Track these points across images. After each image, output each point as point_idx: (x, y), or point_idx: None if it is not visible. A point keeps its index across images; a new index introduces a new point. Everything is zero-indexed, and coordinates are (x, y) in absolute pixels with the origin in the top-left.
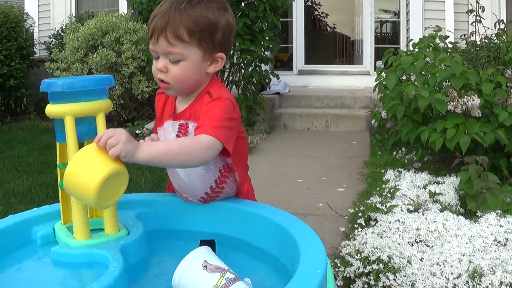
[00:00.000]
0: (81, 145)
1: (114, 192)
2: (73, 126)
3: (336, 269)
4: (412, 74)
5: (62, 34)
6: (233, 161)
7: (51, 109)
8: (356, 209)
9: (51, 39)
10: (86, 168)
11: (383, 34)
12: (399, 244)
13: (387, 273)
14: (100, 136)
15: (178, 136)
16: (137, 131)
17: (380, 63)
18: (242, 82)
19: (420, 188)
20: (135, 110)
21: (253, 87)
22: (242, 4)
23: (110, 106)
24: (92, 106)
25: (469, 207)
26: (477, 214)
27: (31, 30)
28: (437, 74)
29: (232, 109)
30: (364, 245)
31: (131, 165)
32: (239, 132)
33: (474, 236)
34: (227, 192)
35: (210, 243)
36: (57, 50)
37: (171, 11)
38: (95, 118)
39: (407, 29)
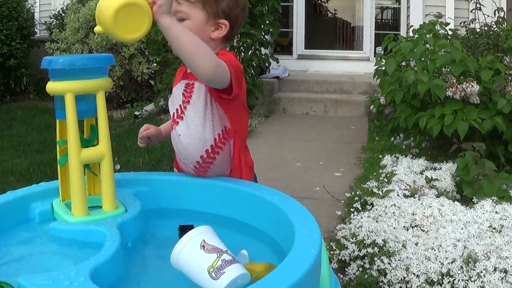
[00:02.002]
0: (80, 122)
1: (133, 26)
2: (73, 103)
3: (332, 252)
4: (411, 60)
5: (63, 14)
6: (231, 127)
7: (52, 86)
8: (353, 193)
9: (52, 20)
10: None
11: (383, 20)
12: (394, 228)
13: (381, 257)
14: None
15: (183, 95)
16: (136, 113)
17: (380, 49)
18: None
19: (417, 174)
20: (134, 92)
21: (252, 71)
22: None
23: (110, 84)
24: (92, 84)
25: (465, 193)
26: (473, 200)
27: (32, 10)
28: (436, 60)
29: (239, 64)
30: (360, 228)
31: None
32: (243, 100)
33: (469, 222)
34: (220, 163)
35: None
36: (58, 30)
37: None
38: (95, 96)
39: (408, 16)
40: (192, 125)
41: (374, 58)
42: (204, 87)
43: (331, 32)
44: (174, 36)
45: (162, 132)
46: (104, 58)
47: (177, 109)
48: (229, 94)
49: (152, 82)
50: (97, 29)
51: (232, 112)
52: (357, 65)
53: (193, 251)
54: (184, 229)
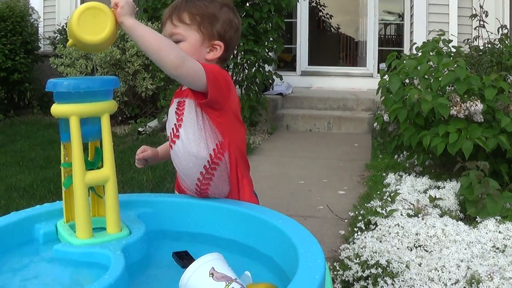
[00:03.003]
0: (85, 145)
1: (96, 28)
2: (78, 126)
3: (335, 273)
4: (415, 78)
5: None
6: (224, 141)
7: (57, 109)
8: (356, 212)
9: (56, 34)
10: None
11: (387, 36)
12: (398, 248)
13: (385, 278)
14: None
15: (176, 113)
16: (140, 129)
17: (383, 66)
18: (245, 82)
19: (421, 193)
20: (138, 108)
21: (256, 88)
22: (247, 4)
23: (114, 107)
24: (97, 107)
25: (469, 212)
26: (476, 219)
27: (36, 25)
28: (440, 79)
29: (230, 83)
30: (363, 249)
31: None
32: (235, 111)
33: (472, 242)
34: (219, 178)
35: (184, 255)
36: (62, 45)
37: (179, 2)
38: (99, 118)
39: (411, 32)
40: (187, 143)
41: (378, 75)
42: (194, 102)
43: (334, 48)
44: (139, 35)
45: (159, 153)
46: (109, 81)
47: (172, 129)
48: (207, 97)
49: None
50: (69, 43)
51: (224, 125)
52: (361, 81)
53: (202, 279)
54: (179, 255)
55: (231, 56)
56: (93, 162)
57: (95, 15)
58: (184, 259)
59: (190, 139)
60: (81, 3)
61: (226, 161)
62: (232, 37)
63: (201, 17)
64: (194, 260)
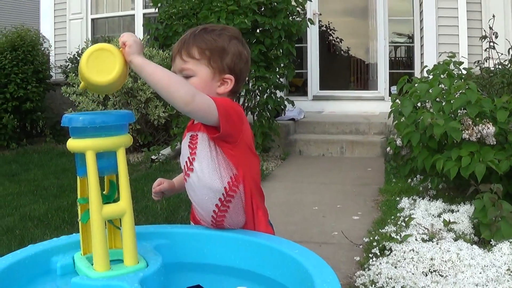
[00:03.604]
0: (101, 179)
1: (105, 69)
2: (94, 160)
3: None
4: (427, 101)
5: (79, 58)
6: (238, 173)
7: (73, 144)
8: (371, 238)
9: (67, 63)
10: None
11: (397, 58)
12: (413, 274)
13: None
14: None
15: (189, 147)
16: (153, 157)
17: (394, 89)
18: (257, 108)
19: (435, 217)
20: (151, 135)
21: (268, 114)
22: (258, 31)
23: (130, 141)
24: (113, 141)
25: (483, 235)
26: (491, 242)
27: (48, 54)
28: (452, 102)
29: (242, 115)
30: (379, 275)
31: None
32: (248, 144)
33: (487, 266)
34: (234, 209)
35: None
36: (73, 74)
37: (187, 36)
38: (115, 152)
39: (421, 54)
40: (202, 177)
41: (389, 98)
42: (207, 136)
43: (345, 72)
44: (148, 73)
45: (176, 185)
46: (124, 115)
47: (186, 162)
48: (219, 131)
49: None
50: (81, 85)
51: (237, 158)
52: (372, 105)
53: None
54: None
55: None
56: (108, 196)
57: (104, 56)
58: None
59: (205, 173)
60: (91, 32)
61: (241, 193)
62: (242, 70)
63: (210, 52)
64: None
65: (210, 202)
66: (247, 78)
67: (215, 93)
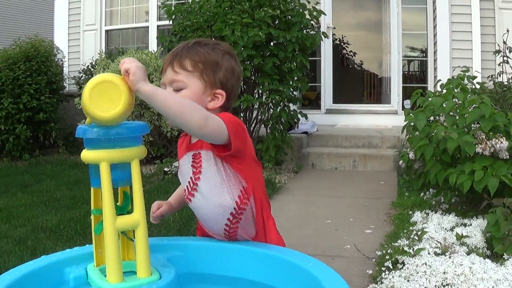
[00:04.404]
0: (115, 190)
1: (109, 104)
2: (108, 172)
3: None
4: (441, 115)
5: (92, 69)
6: (248, 185)
7: (87, 155)
8: (384, 251)
9: (81, 74)
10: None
11: (410, 73)
12: (426, 287)
13: None
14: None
15: (193, 166)
16: (166, 169)
17: (407, 102)
18: (270, 121)
19: (447, 231)
20: (163, 148)
21: (281, 127)
22: (271, 44)
23: (144, 153)
24: (127, 153)
25: (496, 249)
26: (503, 256)
27: (61, 65)
28: (466, 115)
29: (243, 127)
30: None
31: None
32: (252, 155)
33: (500, 280)
34: (246, 221)
35: None
36: None
37: (180, 48)
38: (129, 164)
39: (435, 68)
40: (209, 196)
41: (402, 112)
42: (212, 153)
43: (358, 86)
44: (159, 101)
45: (173, 205)
46: (138, 127)
47: (189, 182)
48: (230, 149)
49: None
50: (87, 120)
51: (245, 170)
52: (385, 118)
53: None
54: None
55: (256, 96)
56: (122, 207)
57: (107, 89)
58: None
59: (213, 191)
60: (105, 43)
61: (252, 204)
62: (234, 86)
63: (203, 65)
64: None
65: (222, 217)
66: (260, 91)
67: (205, 107)
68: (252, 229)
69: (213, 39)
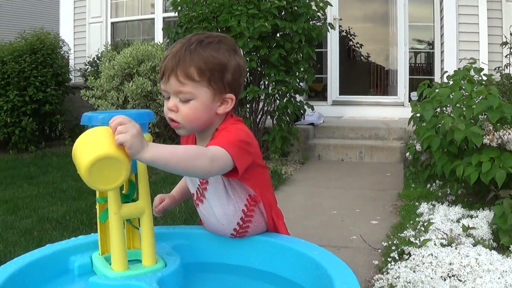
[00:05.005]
0: None
1: (110, 177)
2: None
3: None
4: (448, 105)
5: (98, 61)
6: (256, 193)
7: None
8: (390, 242)
9: (87, 67)
10: (86, 146)
11: (417, 65)
12: (431, 278)
13: None
14: (114, 118)
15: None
16: None
17: (414, 94)
18: (276, 112)
19: (454, 222)
20: (170, 139)
21: (287, 118)
22: (278, 35)
23: (150, 140)
24: None
25: (502, 241)
26: (510, 249)
27: (67, 57)
28: (473, 107)
29: (247, 135)
30: (397, 279)
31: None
32: (257, 161)
33: (506, 271)
34: (256, 225)
35: None
36: (93, 77)
37: (182, 51)
38: None
39: (442, 60)
40: (215, 206)
41: (409, 104)
42: None
43: (365, 77)
44: (161, 165)
45: (176, 197)
46: (144, 114)
47: (197, 190)
48: (237, 173)
49: None
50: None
51: (252, 179)
52: (392, 110)
53: None
54: None
55: (262, 87)
56: (127, 195)
57: (107, 164)
58: None
59: (219, 202)
60: (111, 35)
61: (261, 210)
62: (241, 84)
63: (210, 71)
64: None
65: (229, 225)
66: (266, 82)
67: (214, 114)
68: (263, 230)
69: (219, 30)
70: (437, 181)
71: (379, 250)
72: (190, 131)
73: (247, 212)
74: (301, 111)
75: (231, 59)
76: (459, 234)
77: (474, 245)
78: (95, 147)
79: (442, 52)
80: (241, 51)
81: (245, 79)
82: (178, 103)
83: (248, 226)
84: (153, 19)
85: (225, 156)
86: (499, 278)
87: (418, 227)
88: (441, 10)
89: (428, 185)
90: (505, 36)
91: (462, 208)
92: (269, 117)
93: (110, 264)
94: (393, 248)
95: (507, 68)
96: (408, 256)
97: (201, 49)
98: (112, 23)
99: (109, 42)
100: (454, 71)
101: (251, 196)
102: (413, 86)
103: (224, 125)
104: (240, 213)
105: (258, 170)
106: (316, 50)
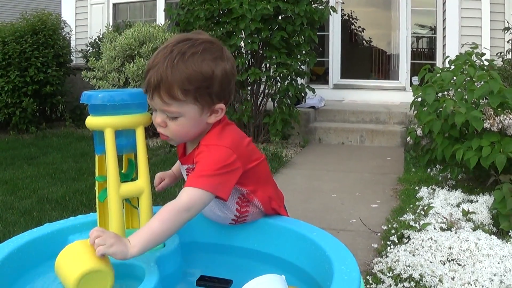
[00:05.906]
0: (119, 157)
1: (97, 284)
2: (113, 138)
3: (368, 286)
4: (450, 89)
5: (99, 43)
6: (249, 191)
7: (91, 121)
8: (389, 226)
9: (88, 48)
10: (70, 262)
11: (419, 50)
12: (431, 262)
13: None
14: (91, 233)
15: (188, 175)
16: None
17: (415, 79)
18: (277, 95)
19: (454, 206)
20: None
21: (288, 101)
22: (280, 17)
23: (149, 119)
24: (132, 119)
25: (502, 226)
26: (509, 233)
27: (68, 38)
28: (474, 91)
29: (227, 154)
30: (397, 262)
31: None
32: (248, 166)
33: (506, 256)
34: (254, 216)
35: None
36: (94, 58)
37: (164, 67)
38: (134, 130)
39: (444, 45)
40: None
41: (410, 88)
42: None
43: (366, 62)
44: (153, 245)
45: (176, 175)
46: (137, 94)
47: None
48: (224, 198)
49: None
50: None
51: (244, 177)
52: (393, 95)
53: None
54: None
55: (263, 70)
56: (127, 174)
57: (94, 276)
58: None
59: (211, 203)
60: (112, 16)
61: (258, 204)
62: (231, 89)
63: (195, 89)
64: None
65: (225, 218)
66: (268, 64)
67: (205, 124)
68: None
69: (220, 12)
70: (437, 166)
71: (379, 234)
72: (180, 142)
73: (241, 209)
74: (302, 94)
75: (217, 69)
76: (459, 219)
77: (474, 229)
78: (79, 263)
79: (444, 37)
80: (229, 52)
81: (246, 62)
82: (166, 119)
83: (246, 216)
84: (155, 0)
85: (201, 196)
86: (498, 263)
87: (418, 211)
88: None
89: (429, 170)
90: (507, 22)
91: (462, 193)
92: (270, 99)
93: None
94: (393, 231)
95: (509, 53)
96: (407, 239)
97: (183, 64)
98: (114, 4)
99: (111, 24)
100: (456, 56)
101: (244, 195)
102: (414, 71)
103: (207, 139)
104: (234, 211)
105: (250, 171)
106: (318, 33)
